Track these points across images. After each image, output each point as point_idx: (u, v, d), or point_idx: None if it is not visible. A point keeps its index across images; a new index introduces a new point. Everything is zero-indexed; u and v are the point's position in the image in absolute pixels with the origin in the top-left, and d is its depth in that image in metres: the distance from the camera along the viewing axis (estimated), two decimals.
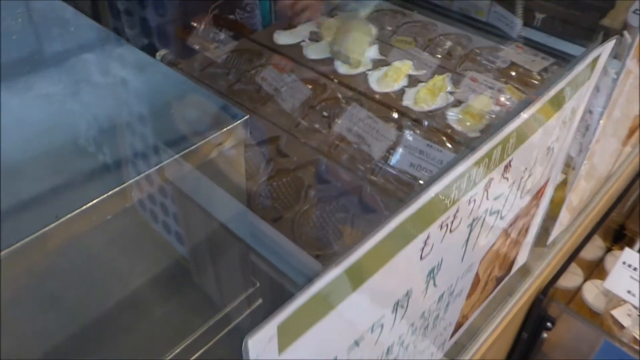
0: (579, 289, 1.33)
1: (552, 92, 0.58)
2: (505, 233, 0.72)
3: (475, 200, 0.54)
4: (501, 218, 0.65)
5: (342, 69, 1.15)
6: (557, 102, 0.61)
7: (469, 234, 0.58)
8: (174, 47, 1.26)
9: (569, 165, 0.92)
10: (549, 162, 0.74)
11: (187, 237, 0.82)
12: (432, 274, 0.54)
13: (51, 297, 0.73)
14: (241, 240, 0.80)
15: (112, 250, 0.78)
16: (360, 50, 1.16)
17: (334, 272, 0.40)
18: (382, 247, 0.43)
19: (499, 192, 0.59)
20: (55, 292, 0.73)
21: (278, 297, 0.82)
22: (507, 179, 0.59)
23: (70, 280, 0.74)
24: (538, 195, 0.78)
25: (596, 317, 1.25)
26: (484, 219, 0.59)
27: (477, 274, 0.70)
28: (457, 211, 0.52)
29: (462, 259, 0.61)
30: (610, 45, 0.66)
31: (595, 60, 0.67)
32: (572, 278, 1.31)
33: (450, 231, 0.52)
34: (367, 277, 0.43)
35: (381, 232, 0.42)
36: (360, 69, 1.15)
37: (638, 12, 1.06)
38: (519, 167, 0.61)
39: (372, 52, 1.18)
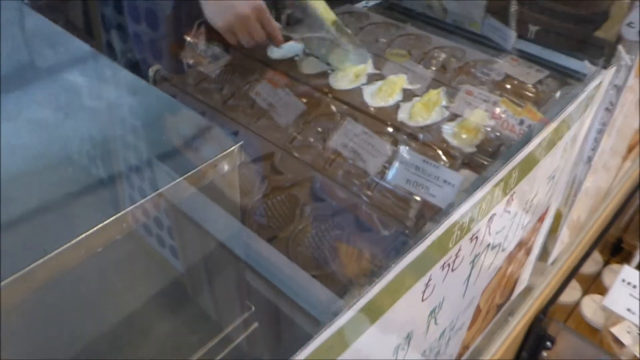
0: (577, 304, 1.32)
1: (553, 125, 0.57)
2: (506, 262, 0.70)
3: (477, 238, 0.52)
4: (502, 250, 0.64)
5: (336, 83, 1.13)
6: (558, 135, 0.60)
7: (471, 270, 0.57)
8: (167, 62, 1.23)
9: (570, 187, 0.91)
10: (551, 189, 0.72)
11: (183, 262, 0.81)
12: (433, 313, 0.53)
13: (44, 323, 0.71)
14: (237, 264, 0.79)
15: (108, 273, 0.77)
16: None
17: (331, 329, 0.38)
18: (382, 296, 0.42)
19: (501, 227, 0.58)
20: (48, 318, 0.72)
21: (274, 320, 0.81)
22: (509, 212, 0.58)
23: (66, 306, 0.73)
24: (540, 220, 0.77)
25: (595, 334, 1.23)
26: (486, 254, 0.58)
27: (478, 306, 0.68)
28: (460, 250, 0.50)
29: (464, 295, 0.59)
30: (611, 72, 0.65)
31: (597, 86, 0.66)
32: (570, 293, 1.30)
33: (452, 270, 0.51)
34: (367, 328, 0.42)
35: (381, 282, 0.41)
36: (355, 84, 1.13)
37: (632, 25, 1.05)
38: (521, 199, 0.59)
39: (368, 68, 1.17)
